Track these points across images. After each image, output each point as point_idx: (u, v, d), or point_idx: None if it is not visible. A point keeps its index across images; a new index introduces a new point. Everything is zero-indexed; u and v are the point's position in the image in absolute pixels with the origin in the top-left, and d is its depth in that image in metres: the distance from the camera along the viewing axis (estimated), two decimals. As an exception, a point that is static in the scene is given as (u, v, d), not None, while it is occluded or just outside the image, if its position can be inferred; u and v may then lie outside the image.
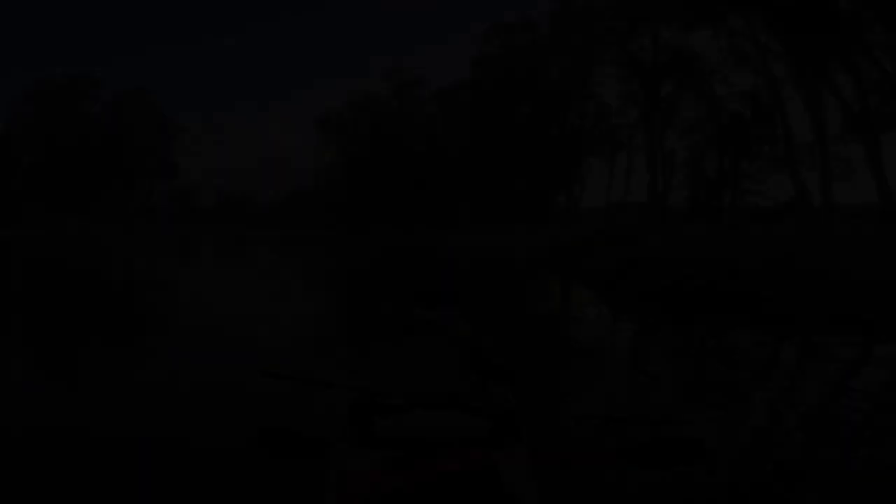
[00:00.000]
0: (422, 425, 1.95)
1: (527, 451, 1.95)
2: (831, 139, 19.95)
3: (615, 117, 35.45)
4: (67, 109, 50.46)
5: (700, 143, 33.36)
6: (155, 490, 2.33)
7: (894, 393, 4.28)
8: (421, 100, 46.24)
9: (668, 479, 2.51)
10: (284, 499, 1.61)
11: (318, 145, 50.29)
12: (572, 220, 31.53)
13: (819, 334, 6.27)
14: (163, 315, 7.58)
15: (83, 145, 50.26)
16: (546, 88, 38.21)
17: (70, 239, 28.40)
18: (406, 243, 31.10)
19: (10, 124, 47.52)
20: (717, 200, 31.51)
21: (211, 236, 41.25)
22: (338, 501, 1.48)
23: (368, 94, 46.62)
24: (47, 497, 2.36)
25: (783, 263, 8.41)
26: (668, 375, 4.45)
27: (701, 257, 9.01)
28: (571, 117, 37.83)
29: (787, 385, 4.36)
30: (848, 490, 2.51)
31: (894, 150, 30.87)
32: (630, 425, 2.96)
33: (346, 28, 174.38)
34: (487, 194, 44.10)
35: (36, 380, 4.23)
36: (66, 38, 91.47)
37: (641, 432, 2.83)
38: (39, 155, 50.18)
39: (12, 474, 2.57)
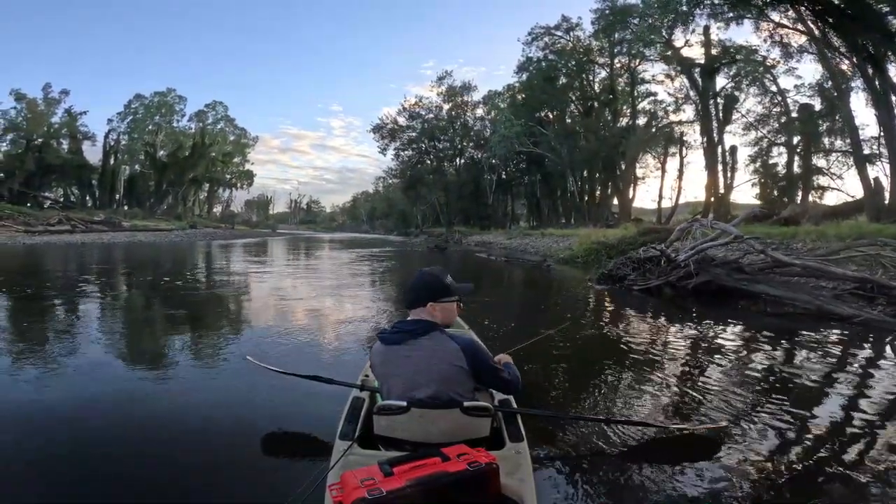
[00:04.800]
0: (422, 425, 1.94)
1: (527, 451, 1.97)
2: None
3: (668, 114, 34.35)
4: (159, 123, 56.23)
5: (765, 138, 31.47)
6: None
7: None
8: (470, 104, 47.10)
9: (673, 477, 2.42)
10: (283, 498, 1.59)
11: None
12: (624, 221, 30.84)
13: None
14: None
15: (174, 156, 56.15)
16: (594, 88, 37.62)
17: (174, 243, 30.73)
18: (458, 246, 31.69)
19: (110, 138, 53.22)
20: (789, 198, 29.54)
21: (284, 238, 43.86)
22: (337, 502, 1.47)
23: (420, 100, 48.14)
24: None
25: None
26: (684, 375, 4.19)
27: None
28: (622, 116, 36.98)
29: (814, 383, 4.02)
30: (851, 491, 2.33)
31: None
32: (632, 427, 2.87)
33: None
34: (540, 196, 44.02)
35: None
36: (152, 57, 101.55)
37: (645, 433, 2.83)
38: (137, 165, 56.57)
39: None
